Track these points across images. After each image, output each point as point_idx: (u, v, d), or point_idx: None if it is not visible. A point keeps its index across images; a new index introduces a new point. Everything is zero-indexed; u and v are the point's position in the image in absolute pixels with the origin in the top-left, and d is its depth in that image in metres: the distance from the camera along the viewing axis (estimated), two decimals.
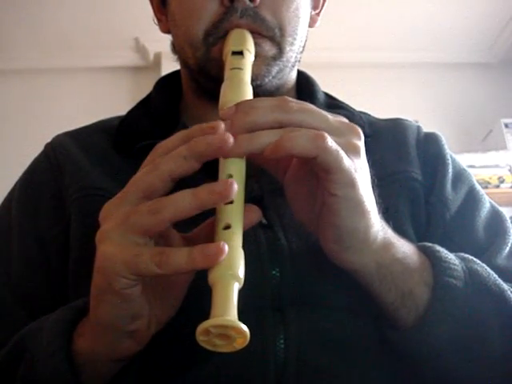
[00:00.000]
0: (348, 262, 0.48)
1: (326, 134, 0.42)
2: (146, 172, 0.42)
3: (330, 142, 0.42)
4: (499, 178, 2.41)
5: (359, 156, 0.46)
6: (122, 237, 0.40)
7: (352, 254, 0.47)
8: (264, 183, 0.58)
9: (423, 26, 2.63)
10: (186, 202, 0.40)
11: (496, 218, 0.65)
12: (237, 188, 0.40)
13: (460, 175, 0.68)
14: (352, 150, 0.45)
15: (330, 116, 0.46)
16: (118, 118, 0.73)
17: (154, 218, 0.40)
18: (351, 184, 0.43)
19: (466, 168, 0.70)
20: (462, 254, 0.54)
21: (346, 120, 0.47)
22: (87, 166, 0.64)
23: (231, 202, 0.42)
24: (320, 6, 0.74)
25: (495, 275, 0.52)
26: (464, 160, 2.31)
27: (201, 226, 0.46)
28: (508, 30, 2.71)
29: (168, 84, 0.75)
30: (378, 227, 0.48)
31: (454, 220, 0.63)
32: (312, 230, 0.50)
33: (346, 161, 0.43)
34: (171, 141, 0.44)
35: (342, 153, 0.43)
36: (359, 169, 0.45)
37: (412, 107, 2.65)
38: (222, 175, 0.44)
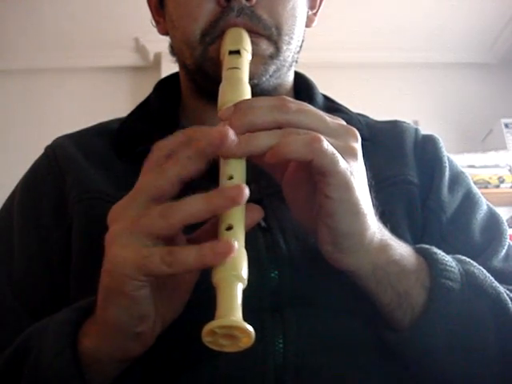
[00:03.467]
0: (344, 263, 0.48)
1: (322, 137, 0.43)
2: (154, 175, 0.42)
3: (326, 145, 0.42)
4: (499, 178, 2.41)
5: (356, 158, 0.46)
6: (132, 239, 0.40)
7: (348, 255, 0.47)
8: (262, 186, 0.58)
9: (423, 26, 2.64)
10: (197, 206, 0.40)
11: (493, 220, 0.65)
12: (248, 191, 0.40)
13: (457, 178, 0.67)
14: (349, 153, 0.45)
15: (327, 118, 0.46)
16: (118, 120, 0.73)
17: (165, 221, 0.40)
18: (346, 187, 0.43)
19: (464, 170, 0.70)
20: (459, 256, 0.54)
21: (343, 122, 0.47)
22: (88, 168, 0.64)
23: None
24: (317, 5, 0.74)
25: (491, 277, 0.52)
26: (464, 160, 2.31)
27: (203, 228, 0.46)
28: (508, 29, 2.71)
29: (167, 86, 0.75)
30: (375, 229, 0.48)
31: (450, 223, 0.63)
32: (310, 231, 0.50)
33: (342, 163, 0.43)
34: (172, 141, 0.44)
35: (338, 156, 0.43)
36: (355, 171, 0.45)
37: (412, 107, 2.66)
38: (223, 176, 0.44)
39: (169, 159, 0.42)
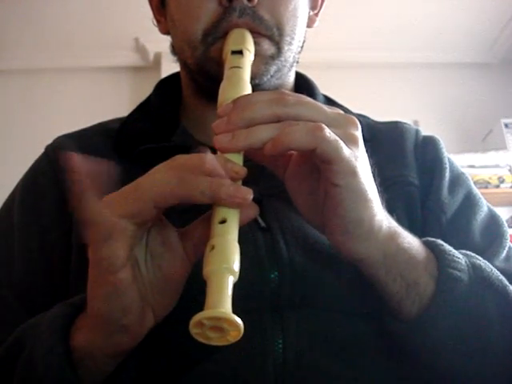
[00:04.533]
0: (355, 252, 0.48)
1: (324, 125, 0.43)
2: (160, 181, 0.42)
3: (328, 133, 0.42)
4: (499, 178, 2.41)
5: (358, 145, 0.46)
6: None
7: (358, 243, 0.47)
8: (263, 187, 0.58)
9: (423, 26, 2.64)
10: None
11: (493, 221, 0.65)
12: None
13: (457, 179, 0.67)
14: (350, 140, 0.45)
15: (326, 108, 0.46)
16: (119, 120, 0.73)
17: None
18: (352, 173, 0.43)
19: (464, 170, 0.70)
20: (464, 250, 0.54)
21: (342, 112, 0.47)
22: None
23: None
24: (318, 6, 0.74)
25: (497, 271, 0.52)
26: (464, 160, 2.31)
27: (197, 221, 0.46)
28: (508, 29, 2.71)
29: (167, 86, 0.75)
30: (382, 216, 0.48)
31: (450, 224, 0.63)
32: (316, 224, 0.49)
33: (346, 150, 0.43)
34: (193, 161, 0.43)
35: (341, 142, 0.43)
36: (359, 158, 0.45)
37: (412, 107, 2.66)
38: None
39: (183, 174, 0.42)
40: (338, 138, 0.43)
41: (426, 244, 0.52)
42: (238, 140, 0.43)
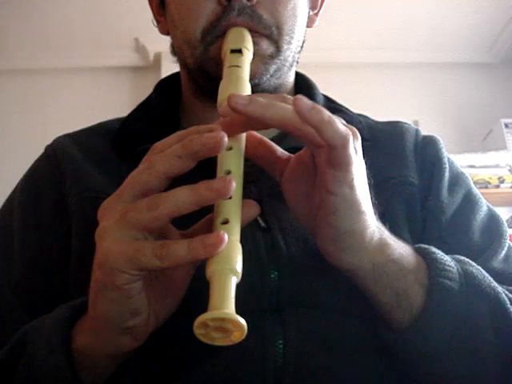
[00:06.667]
0: (344, 262, 0.48)
1: (350, 132, 0.43)
2: (142, 170, 0.42)
3: (352, 141, 0.43)
4: (499, 178, 2.41)
5: (358, 157, 0.46)
6: (122, 233, 0.40)
7: (348, 254, 0.47)
8: (263, 187, 0.58)
9: (423, 26, 2.64)
10: (184, 197, 0.40)
11: (492, 221, 0.65)
12: (235, 184, 0.40)
13: (457, 179, 0.67)
14: None
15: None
16: (119, 120, 0.73)
17: (152, 213, 0.40)
18: (350, 184, 0.44)
19: (464, 170, 0.70)
20: (458, 256, 0.54)
21: (343, 121, 0.47)
22: (88, 168, 0.64)
23: (229, 198, 0.42)
24: (318, 6, 0.74)
25: (490, 278, 0.52)
26: (464, 160, 2.31)
27: (199, 223, 0.46)
28: (508, 30, 2.71)
29: (167, 86, 0.75)
30: (374, 228, 0.48)
31: (449, 224, 0.63)
32: (309, 230, 0.50)
33: (355, 163, 0.43)
34: (168, 141, 0.44)
35: (354, 154, 0.43)
36: (358, 170, 0.45)
37: (412, 107, 2.66)
38: (221, 171, 0.44)
39: (158, 155, 0.42)
40: (356, 149, 0.43)
41: (418, 251, 0.52)
42: (255, 106, 0.42)
